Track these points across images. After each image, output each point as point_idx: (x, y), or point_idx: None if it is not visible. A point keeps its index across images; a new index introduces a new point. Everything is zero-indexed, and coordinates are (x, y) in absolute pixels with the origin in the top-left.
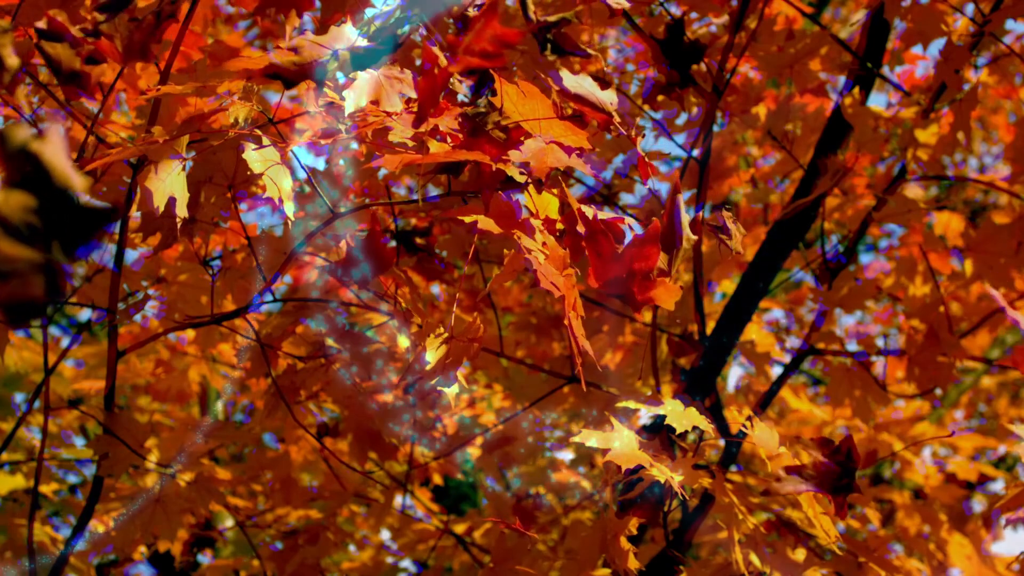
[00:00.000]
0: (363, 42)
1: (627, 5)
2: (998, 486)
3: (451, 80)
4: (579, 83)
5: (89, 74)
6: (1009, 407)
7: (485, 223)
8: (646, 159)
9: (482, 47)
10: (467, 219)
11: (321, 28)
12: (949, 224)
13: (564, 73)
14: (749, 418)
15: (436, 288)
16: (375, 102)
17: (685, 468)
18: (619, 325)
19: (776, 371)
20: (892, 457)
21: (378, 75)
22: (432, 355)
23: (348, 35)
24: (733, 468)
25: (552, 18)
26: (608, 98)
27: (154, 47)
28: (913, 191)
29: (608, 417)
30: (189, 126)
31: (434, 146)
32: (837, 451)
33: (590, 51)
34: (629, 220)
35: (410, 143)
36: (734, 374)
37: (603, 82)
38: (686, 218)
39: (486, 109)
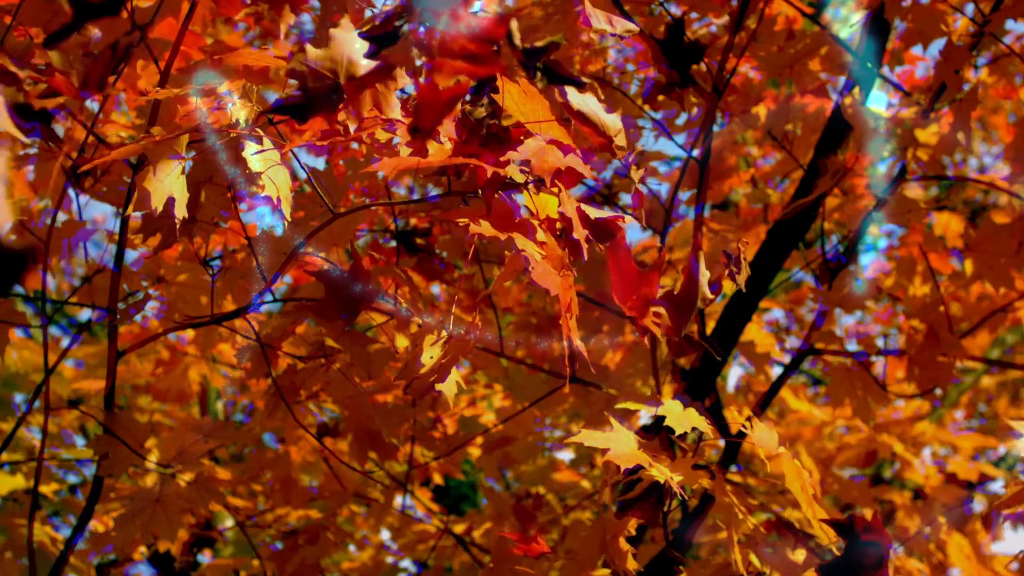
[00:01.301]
0: (364, 48)
1: (636, 29)
2: (998, 486)
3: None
4: (584, 101)
5: (38, 108)
6: (1009, 407)
7: (477, 228)
8: (641, 191)
9: (462, 46)
10: (462, 222)
11: (321, 26)
12: (949, 224)
13: (570, 88)
14: (749, 418)
15: (436, 288)
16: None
17: (684, 468)
18: (619, 325)
19: (776, 371)
20: (892, 457)
21: (376, 81)
22: (428, 355)
23: (350, 50)
24: (733, 468)
25: (540, 43)
26: (612, 121)
27: (111, 80)
28: (913, 191)
29: (608, 417)
30: (188, 125)
31: (433, 148)
32: (867, 529)
33: (584, 79)
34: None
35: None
36: (734, 374)
37: (604, 82)
38: (705, 277)
39: (487, 111)
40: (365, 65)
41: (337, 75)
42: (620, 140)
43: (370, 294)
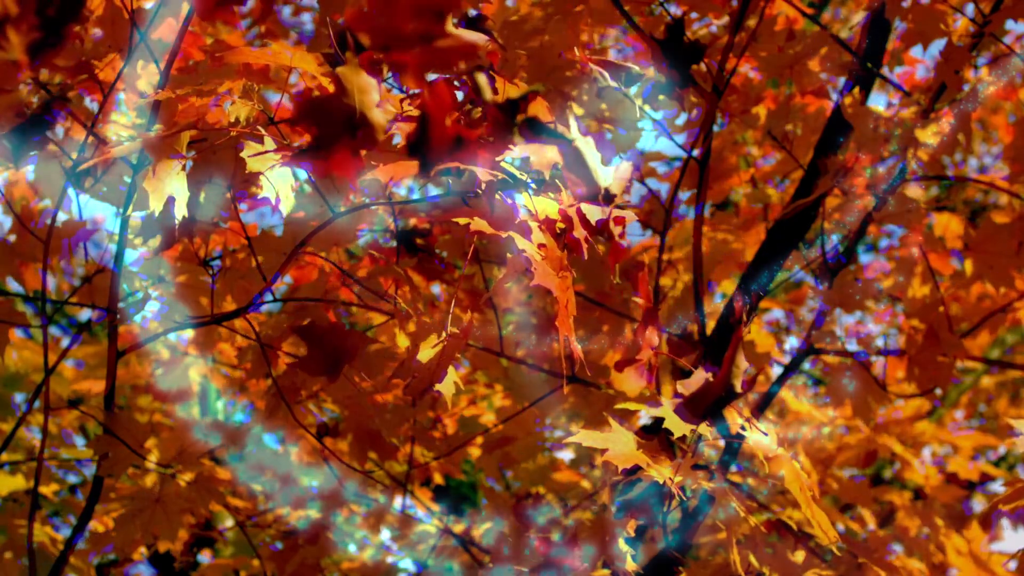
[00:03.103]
0: (376, 96)
1: (643, 73)
2: (998, 486)
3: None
4: (588, 144)
5: None
6: (1009, 407)
7: (477, 224)
8: (620, 244)
9: (411, 28)
10: (461, 222)
11: (321, 23)
12: (949, 225)
13: (572, 115)
14: (748, 419)
15: (436, 288)
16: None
17: (684, 469)
18: (619, 325)
19: (776, 371)
20: (892, 457)
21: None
22: (425, 354)
23: (363, 100)
24: (733, 468)
25: (515, 94)
26: (605, 173)
27: (48, 133)
28: (913, 191)
29: (607, 417)
30: (188, 124)
31: None
32: None
33: (567, 134)
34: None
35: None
36: None
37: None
38: (742, 367)
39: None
40: (381, 123)
41: (352, 121)
42: (615, 189)
43: (352, 349)
